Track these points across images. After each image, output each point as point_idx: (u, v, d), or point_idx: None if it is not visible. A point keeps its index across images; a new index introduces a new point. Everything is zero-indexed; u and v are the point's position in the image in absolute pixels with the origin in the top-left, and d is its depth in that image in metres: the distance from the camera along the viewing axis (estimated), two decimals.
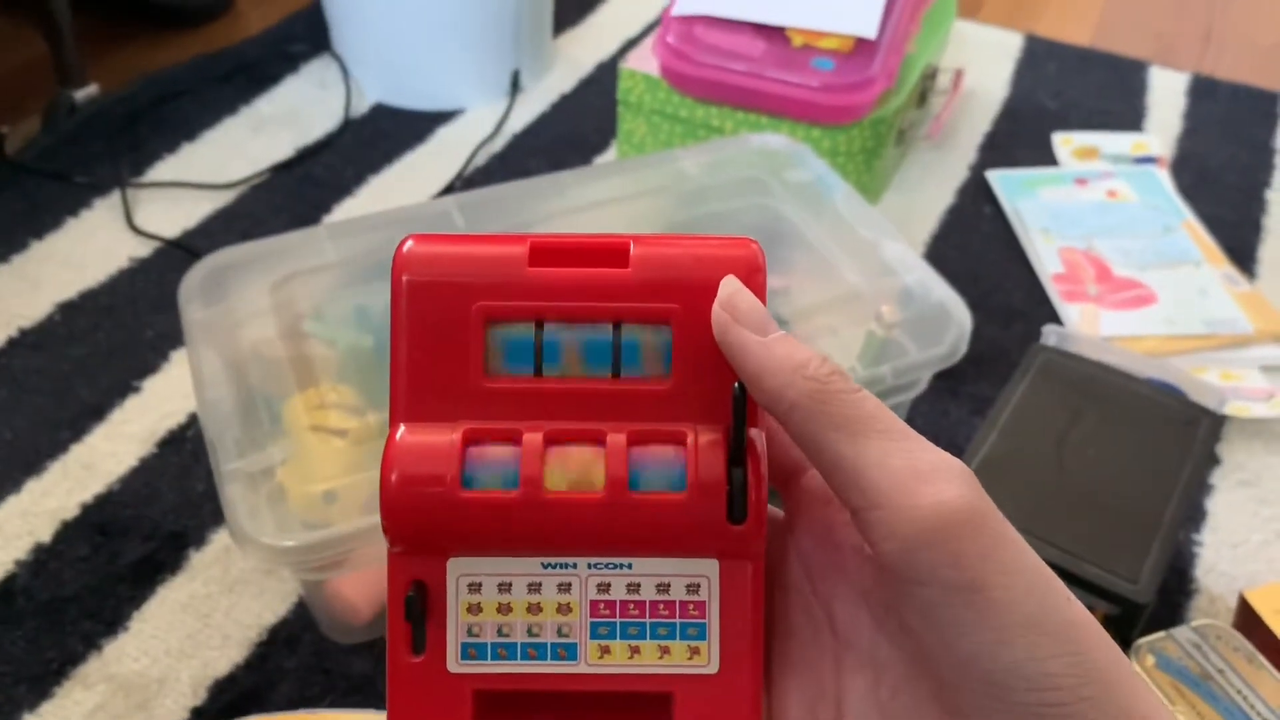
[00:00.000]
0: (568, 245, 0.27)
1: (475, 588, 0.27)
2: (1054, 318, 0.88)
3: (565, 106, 1.12)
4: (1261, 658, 0.58)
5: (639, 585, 0.27)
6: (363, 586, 0.62)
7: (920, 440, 0.25)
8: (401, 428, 0.27)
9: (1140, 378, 0.72)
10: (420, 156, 1.04)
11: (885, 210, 0.97)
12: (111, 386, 0.79)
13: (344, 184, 1.00)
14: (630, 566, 0.27)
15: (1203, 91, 1.18)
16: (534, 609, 0.27)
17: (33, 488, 0.72)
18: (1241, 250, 0.97)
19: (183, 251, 0.91)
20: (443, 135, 1.07)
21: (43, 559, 0.68)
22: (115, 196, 0.97)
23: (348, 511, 0.56)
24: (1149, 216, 0.98)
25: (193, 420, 0.77)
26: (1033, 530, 0.61)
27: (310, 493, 0.56)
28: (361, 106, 1.11)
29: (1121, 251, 0.94)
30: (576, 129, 1.09)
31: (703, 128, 0.94)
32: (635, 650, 0.27)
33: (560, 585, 0.27)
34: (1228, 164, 1.07)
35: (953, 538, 0.23)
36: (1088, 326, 0.86)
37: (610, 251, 0.27)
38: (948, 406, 0.80)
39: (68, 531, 0.69)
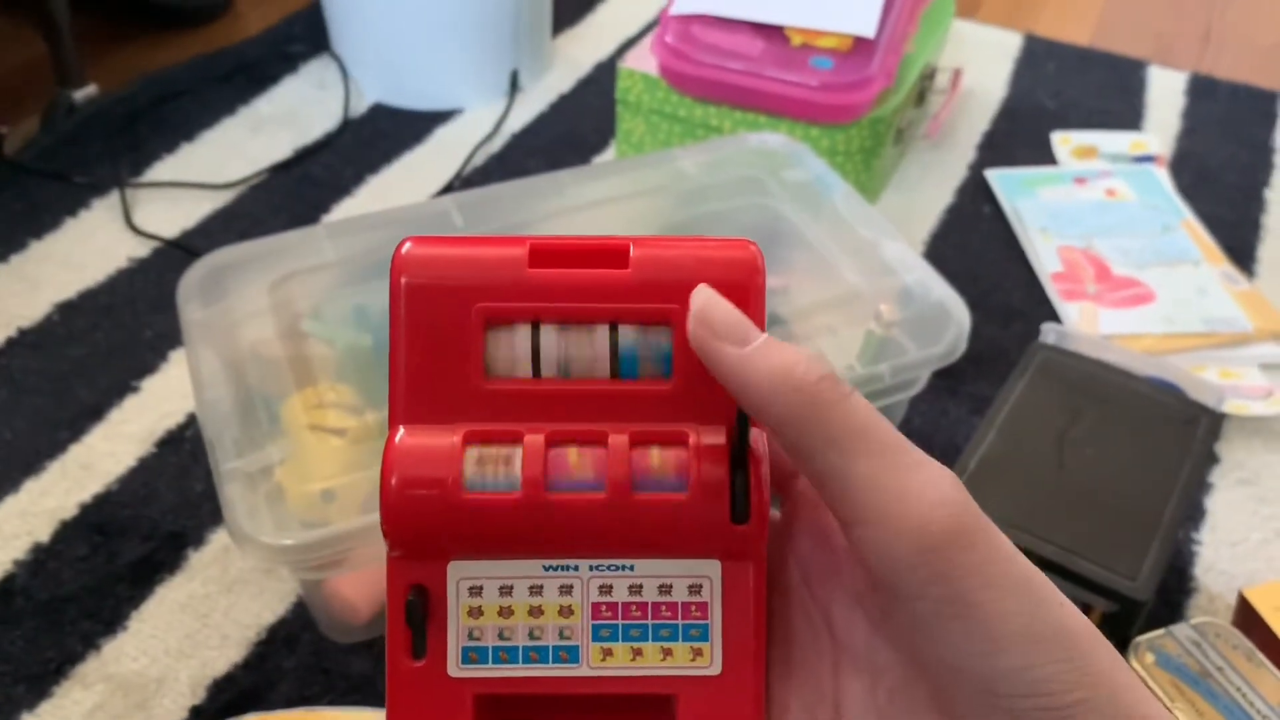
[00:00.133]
0: (567, 247, 0.27)
1: (476, 591, 0.27)
2: (1053, 316, 0.88)
3: (564, 106, 1.12)
4: (1261, 655, 0.58)
5: (641, 586, 0.27)
6: (361, 586, 0.62)
7: (911, 451, 0.25)
8: (401, 430, 0.27)
9: (1139, 376, 0.72)
10: (419, 156, 1.04)
11: (884, 210, 0.97)
12: (110, 386, 0.79)
13: (343, 184, 1.00)
14: (632, 568, 0.27)
15: (1202, 91, 1.18)
16: (535, 612, 0.27)
17: (31, 488, 0.72)
18: (1240, 249, 0.97)
19: (182, 251, 0.91)
20: (441, 135, 1.07)
21: (41, 559, 0.68)
22: (114, 196, 0.97)
23: (346, 510, 0.56)
24: (1148, 215, 0.98)
25: (191, 420, 0.77)
26: (1032, 528, 0.61)
27: (309, 492, 0.56)
28: (360, 106, 1.10)
29: (1120, 250, 0.94)
30: (575, 129, 1.09)
31: (701, 127, 0.94)
32: (638, 652, 0.27)
33: (562, 587, 0.27)
34: (1227, 163, 1.07)
35: (943, 555, 0.23)
36: (1087, 325, 0.86)
37: (610, 253, 0.27)
38: (947, 405, 0.80)
39: (66, 531, 0.69)
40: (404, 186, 1.00)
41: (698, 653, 0.27)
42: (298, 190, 0.99)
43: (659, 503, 0.26)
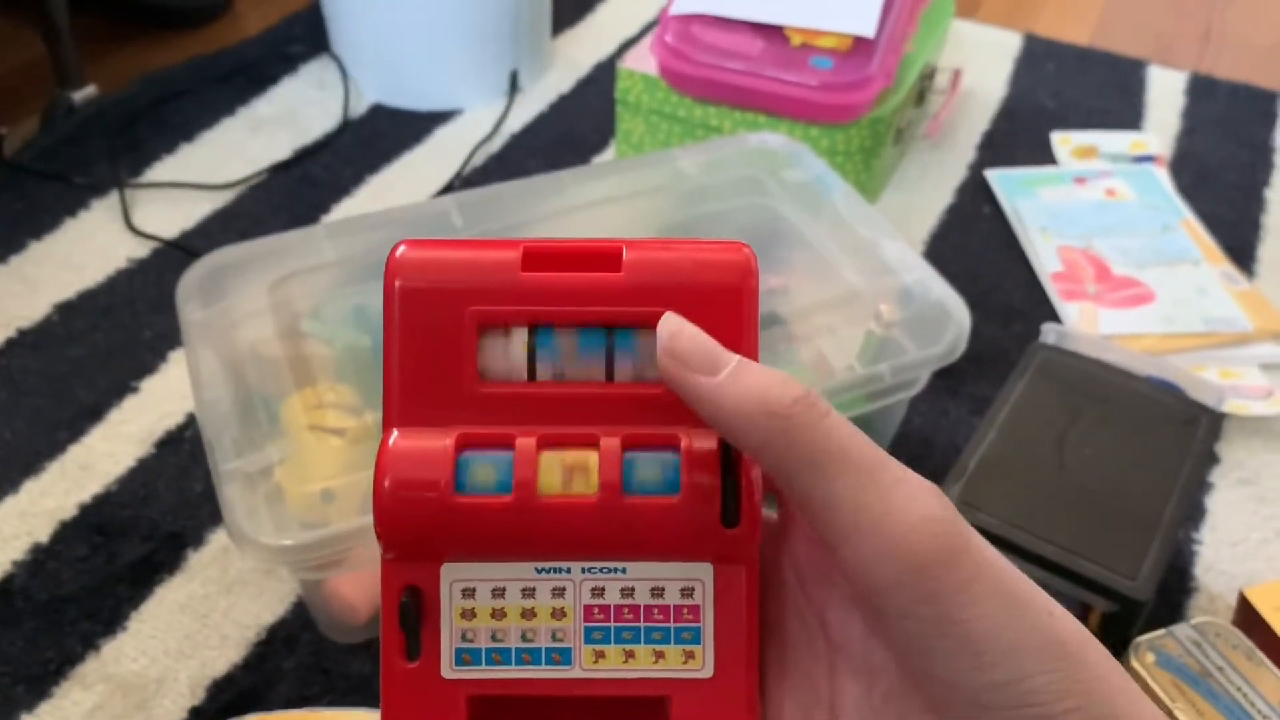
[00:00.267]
0: (560, 250, 0.27)
1: (469, 593, 0.27)
2: (1053, 316, 0.88)
3: (564, 106, 1.12)
4: (1261, 655, 0.58)
5: (633, 589, 0.27)
6: (361, 586, 0.62)
7: (891, 468, 0.24)
8: (395, 433, 0.27)
9: (1139, 376, 0.72)
10: (418, 157, 1.04)
11: (884, 209, 0.97)
12: (110, 387, 0.79)
13: (342, 184, 1.00)
14: (624, 570, 0.27)
15: (1201, 91, 1.18)
16: (528, 614, 0.27)
17: (31, 488, 0.72)
18: (1240, 249, 0.97)
19: (181, 252, 0.91)
20: (441, 135, 1.07)
21: (41, 559, 0.68)
22: (113, 197, 0.97)
23: (346, 511, 0.56)
24: (1148, 215, 0.98)
25: (191, 420, 0.77)
26: (1032, 528, 0.61)
27: (308, 492, 0.56)
28: (360, 107, 1.10)
29: (1120, 250, 0.94)
30: (575, 129, 1.09)
31: (701, 127, 0.94)
32: (630, 654, 0.27)
33: (554, 590, 0.27)
34: (1227, 163, 1.07)
35: (928, 576, 0.23)
36: (1087, 325, 0.86)
37: (603, 256, 0.27)
38: (947, 405, 0.80)
39: (66, 532, 0.69)
40: (404, 187, 1.00)
41: (690, 655, 0.27)
42: (297, 190, 0.99)
43: (651, 506, 0.26)
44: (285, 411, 0.60)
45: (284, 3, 1.27)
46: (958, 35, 1.23)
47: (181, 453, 0.74)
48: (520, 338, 0.27)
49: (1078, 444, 0.66)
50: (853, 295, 0.69)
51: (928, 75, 1.03)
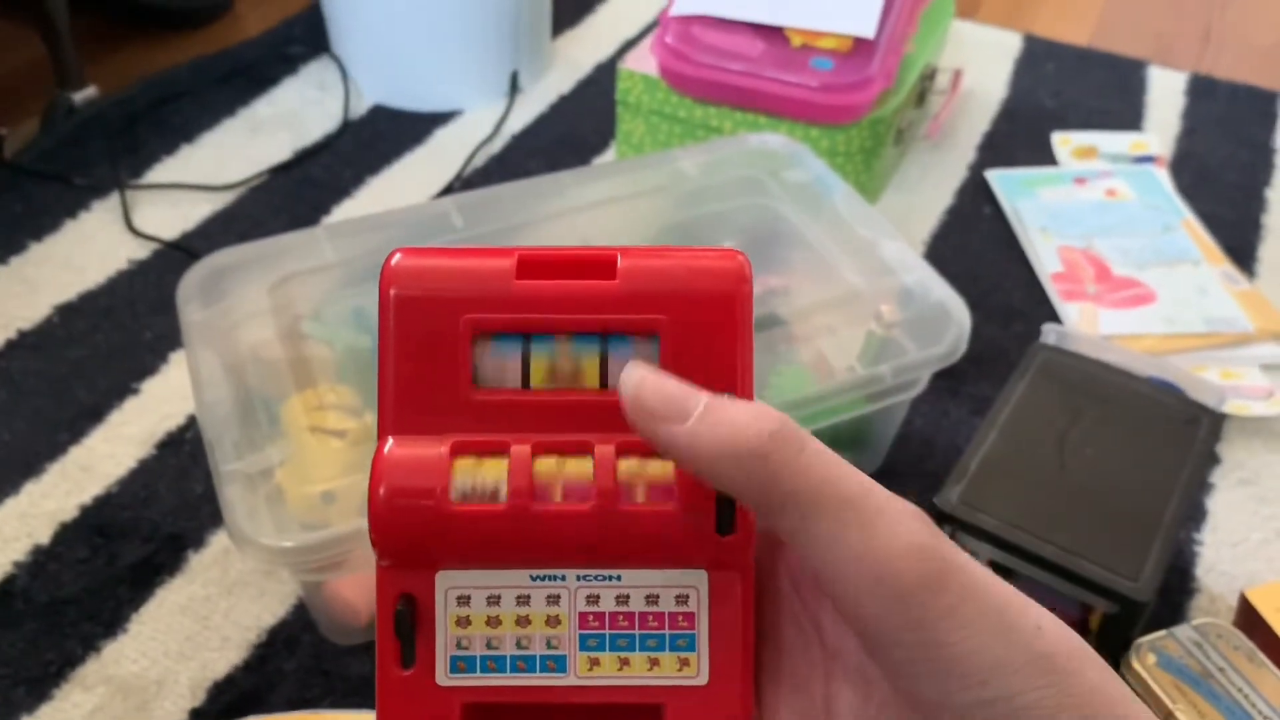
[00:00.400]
0: (555, 258, 0.27)
1: (464, 600, 0.27)
2: (1053, 317, 0.88)
3: (564, 107, 1.12)
4: (1262, 656, 0.58)
5: (628, 597, 0.27)
6: (361, 588, 0.62)
7: (874, 495, 0.24)
8: (390, 441, 0.27)
9: (1140, 376, 0.72)
10: (419, 158, 1.04)
11: (884, 210, 0.97)
12: (110, 388, 0.79)
13: (343, 185, 1.00)
14: (619, 578, 0.27)
15: (1201, 91, 1.18)
16: (523, 621, 0.27)
17: (31, 490, 0.72)
18: (1241, 249, 0.96)
19: (181, 253, 0.91)
20: (441, 136, 1.07)
21: (41, 561, 0.68)
22: (114, 198, 0.97)
23: (346, 512, 0.56)
24: (1148, 215, 0.98)
25: (191, 422, 0.77)
26: (1033, 529, 0.61)
27: (309, 494, 0.56)
28: (360, 108, 1.10)
29: (1121, 250, 0.94)
30: (575, 130, 1.09)
31: (701, 128, 0.94)
32: (625, 662, 0.27)
33: (549, 597, 0.27)
34: (1227, 163, 1.07)
35: (914, 604, 0.23)
36: (1087, 325, 0.86)
37: (597, 263, 0.27)
38: (947, 406, 0.80)
39: (66, 533, 0.69)
40: (404, 188, 1.00)
41: (685, 663, 0.27)
42: (297, 192, 0.99)
43: (645, 514, 0.26)
44: (286, 413, 0.60)
45: (284, 3, 1.27)
46: (958, 36, 1.23)
47: (182, 454, 0.74)
48: (515, 346, 0.27)
49: (1078, 445, 0.66)
50: (853, 296, 0.69)
51: (928, 76, 1.03)
